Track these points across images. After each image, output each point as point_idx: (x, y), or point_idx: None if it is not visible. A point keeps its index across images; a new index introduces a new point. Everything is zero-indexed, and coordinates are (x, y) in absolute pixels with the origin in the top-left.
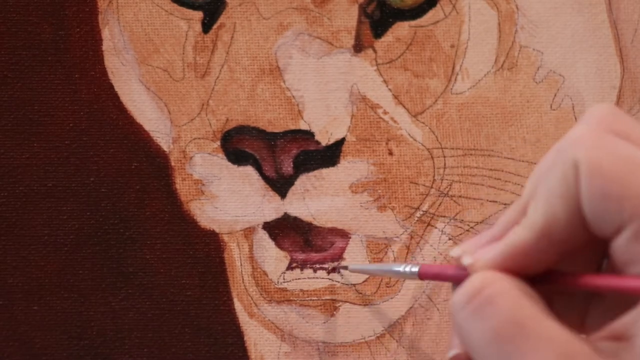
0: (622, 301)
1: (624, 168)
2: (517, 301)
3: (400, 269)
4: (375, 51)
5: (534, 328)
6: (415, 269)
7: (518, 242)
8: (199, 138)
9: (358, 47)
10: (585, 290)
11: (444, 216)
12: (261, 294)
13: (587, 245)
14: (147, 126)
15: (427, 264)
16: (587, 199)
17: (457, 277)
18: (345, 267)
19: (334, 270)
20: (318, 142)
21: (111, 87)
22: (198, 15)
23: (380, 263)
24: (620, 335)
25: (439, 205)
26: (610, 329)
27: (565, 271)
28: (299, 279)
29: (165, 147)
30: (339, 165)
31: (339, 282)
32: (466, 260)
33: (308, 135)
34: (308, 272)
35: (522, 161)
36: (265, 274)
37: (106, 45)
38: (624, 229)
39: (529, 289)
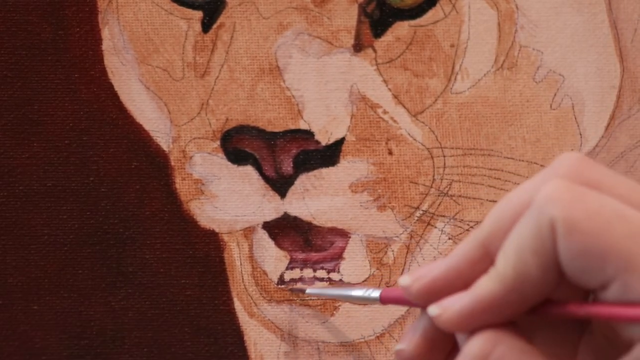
0: (613, 337)
1: (601, 223)
2: None
3: (361, 293)
4: (375, 51)
5: None
6: (376, 294)
7: (487, 295)
8: (198, 138)
9: (358, 47)
10: (574, 319)
11: (444, 216)
12: (261, 294)
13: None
14: (147, 126)
15: (389, 288)
16: (566, 258)
17: (421, 304)
18: (302, 290)
19: (291, 290)
20: (318, 142)
21: (111, 86)
22: (198, 14)
23: (340, 287)
24: None
25: (439, 204)
26: None
27: (555, 300)
28: (298, 278)
29: (165, 147)
30: (338, 164)
31: (337, 282)
32: (432, 311)
33: (308, 134)
34: (308, 271)
35: (522, 161)
36: (265, 273)
37: (106, 45)
38: (611, 285)
39: (526, 345)
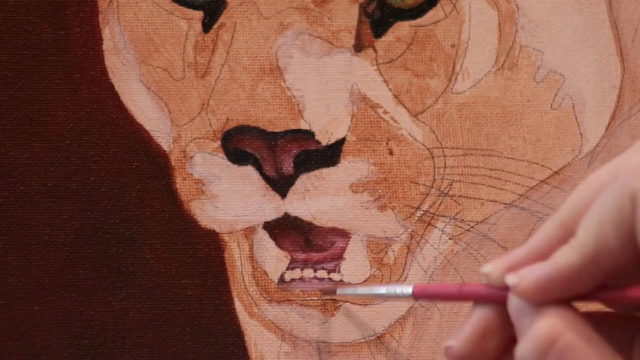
0: None
1: None
2: (588, 355)
3: (392, 290)
4: (375, 51)
5: None
6: (408, 291)
7: (566, 265)
8: (199, 138)
9: (358, 47)
10: (634, 303)
11: (445, 216)
12: (261, 294)
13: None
14: (148, 126)
15: (421, 284)
16: None
17: (455, 296)
18: (334, 291)
19: (323, 293)
20: (318, 142)
21: (111, 86)
22: (198, 14)
23: (370, 285)
24: None
25: (440, 204)
26: None
27: (613, 285)
28: (299, 278)
29: (165, 147)
30: (339, 164)
31: (338, 281)
32: (511, 280)
33: (308, 134)
34: (309, 271)
35: (523, 161)
36: (266, 273)
37: (106, 45)
38: None
39: (593, 333)
